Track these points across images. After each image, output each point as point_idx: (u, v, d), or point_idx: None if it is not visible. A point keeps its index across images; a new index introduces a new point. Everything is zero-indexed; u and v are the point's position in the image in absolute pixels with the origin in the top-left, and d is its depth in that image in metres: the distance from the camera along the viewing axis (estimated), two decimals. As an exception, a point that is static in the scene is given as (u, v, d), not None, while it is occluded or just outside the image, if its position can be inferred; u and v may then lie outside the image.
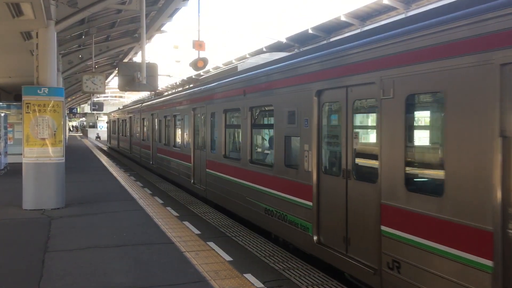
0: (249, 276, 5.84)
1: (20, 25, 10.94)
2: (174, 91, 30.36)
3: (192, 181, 12.90)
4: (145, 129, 21.50)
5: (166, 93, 30.30)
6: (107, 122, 46.42)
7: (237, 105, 9.49)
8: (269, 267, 6.33)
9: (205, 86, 12.25)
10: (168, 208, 10.48)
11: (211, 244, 7.37)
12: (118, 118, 32.64)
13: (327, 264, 6.38)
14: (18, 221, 9.15)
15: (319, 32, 19.81)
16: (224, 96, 10.44)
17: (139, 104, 24.37)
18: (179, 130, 14.97)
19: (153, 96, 25.17)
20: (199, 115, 12.55)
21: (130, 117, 26.17)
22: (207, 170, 11.45)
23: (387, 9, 16.13)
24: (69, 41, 18.70)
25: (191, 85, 21.78)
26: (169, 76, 27.32)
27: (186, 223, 8.91)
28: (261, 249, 7.19)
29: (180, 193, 13.19)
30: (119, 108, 45.48)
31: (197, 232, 8.21)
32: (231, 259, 6.58)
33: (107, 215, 9.68)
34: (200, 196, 12.28)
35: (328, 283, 5.71)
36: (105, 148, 40.45)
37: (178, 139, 15.10)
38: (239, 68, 10.83)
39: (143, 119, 21.86)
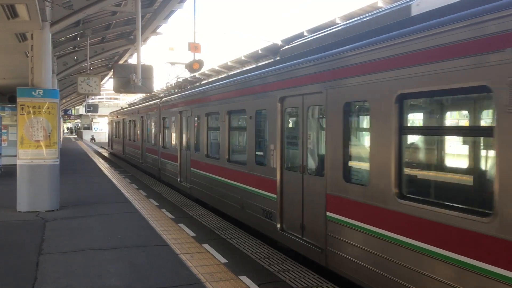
0: (244, 278, 5.84)
1: (15, 27, 10.91)
2: (223, 76, 20.43)
3: (278, 225, 7.56)
4: (168, 133, 15.84)
5: (201, 82, 24.45)
6: (108, 124, 38.99)
7: (478, 77, 4.00)
8: (264, 269, 6.33)
9: (316, 56, 6.59)
10: (163, 210, 10.46)
11: (206, 246, 7.37)
12: (123, 119, 27.01)
13: None
14: (12, 223, 9.10)
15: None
16: (403, 63, 4.84)
17: (157, 99, 18.87)
18: (243, 136, 9.62)
19: (174, 90, 20.15)
20: (300, 108, 7.01)
21: (142, 116, 20.79)
22: (329, 214, 6.11)
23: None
24: (64, 42, 18.69)
25: (258, 65, 13.98)
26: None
27: (181, 225, 8.89)
28: (256, 251, 7.20)
29: (175, 195, 13.14)
30: (121, 107, 41.02)
31: (192, 234, 8.20)
32: (226, 261, 6.58)
33: (102, 217, 9.65)
34: (284, 247, 7.51)
35: (323, 285, 5.72)
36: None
37: (241, 151, 9.88)
38: (415, 11, 5.48)
39: (164, 119, 16.38)
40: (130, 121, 24.52)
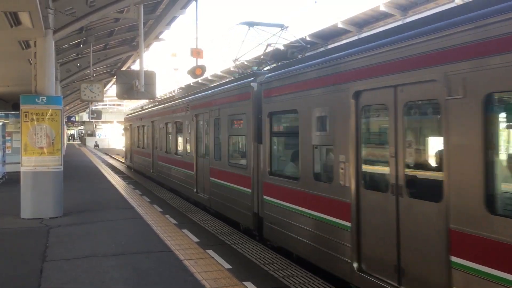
0: (248, 284, 5.81)
1: (18, 34, 10.96)
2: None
3: None
4: (302, 148, 6.76)
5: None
6: (124, 129, 28.87)
7: None
8: (269, 274, 6.30)
9: None
10: (167, 216, 10.43)
11: (210, 252, 7.34)
12: (152, 122, 18.62)
13: None
14: (16, 230, 9.10)
15: (316, 39, 19.90)
16: None
17: (243, 77, 9.78)
18: None
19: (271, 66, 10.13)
20: None
21: (197, 115, 12.52)
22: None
23: (384, 16, 16.22)
24: (67, 49, 18.77)
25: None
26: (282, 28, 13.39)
27: (185, 231, 8.87)
28: (260, 257, 7.16)
29: (179, 201, 13.09)
30: (142, 108, 30.76)
31: (196, 240, 8.17)
32: (230, 267, 6.55)
33: (106, 224, 9.63)
34: None
35: (328, 290, 5.68)
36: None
37: None
38: None
39: (272, 116, 8.01)
40: (166, 124, 16.29)
